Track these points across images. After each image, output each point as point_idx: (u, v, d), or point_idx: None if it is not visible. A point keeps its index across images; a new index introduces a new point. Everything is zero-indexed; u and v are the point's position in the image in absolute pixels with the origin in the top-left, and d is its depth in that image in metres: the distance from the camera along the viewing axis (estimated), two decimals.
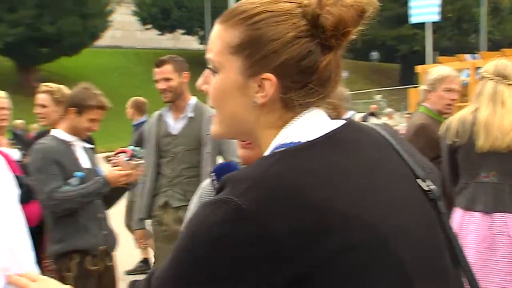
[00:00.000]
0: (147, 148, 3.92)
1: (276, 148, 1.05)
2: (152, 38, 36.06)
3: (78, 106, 3.17)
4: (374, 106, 20.29)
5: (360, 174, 1.03)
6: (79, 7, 28.17)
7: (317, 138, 1.03)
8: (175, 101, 3.78)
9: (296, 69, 1.03)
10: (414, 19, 19.61)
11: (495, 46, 22.63)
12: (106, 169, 3.35)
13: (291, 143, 1.05)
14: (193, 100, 3.84)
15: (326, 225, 0.95)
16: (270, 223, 0.94)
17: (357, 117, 14.45)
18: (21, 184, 2.67)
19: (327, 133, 1.03)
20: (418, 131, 3.56)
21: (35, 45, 27.75)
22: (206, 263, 0.97)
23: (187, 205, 3.38)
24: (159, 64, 3.81)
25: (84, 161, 3.26)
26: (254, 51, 1.03)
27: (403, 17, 24.64)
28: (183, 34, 36.14)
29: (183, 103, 3.81)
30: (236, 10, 1.06)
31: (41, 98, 3.84)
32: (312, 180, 0.97)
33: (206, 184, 1.90)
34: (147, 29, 35.49)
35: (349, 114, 4.91)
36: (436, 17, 19.01)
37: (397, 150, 1.13)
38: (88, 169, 3.24)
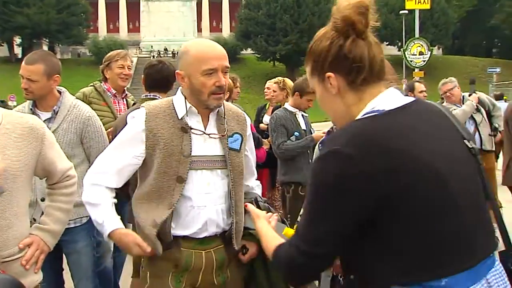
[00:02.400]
0: None
1: (365, 114, 1.37)
2: None
3: (300, 90, 4.55)
4: None
5: (426, 132, 1.34)
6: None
7: (394, 108, 1.36)
8: None
9: (339, 60, 1.40)
10: None
11: None
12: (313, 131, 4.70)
13: (377, 111, 1.36)
14: None
15: (402, 164, 1.25)
16: (370, 163, 1.24)
17: None
18: (253, 137, 3.91)
19: (402, 105, 1.37)
20: None
21: (298, 55, 43.09)
22: (331, 198, 1.28)
23: None
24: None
25: (302, 125, 4.57)
26: (316, 66, 1.45)
27: None
28: (387, 45, 48.43)
29: None
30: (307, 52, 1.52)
31: (269, 84, 5.83)
32: (390, 134, 1.29)
33: (319, 146, 2.35)
34: None
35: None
36: None
37: (450, 119, 1.46)
38: (304, 130, 4.56)
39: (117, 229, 2.10)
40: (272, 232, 1.70)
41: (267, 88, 5.96)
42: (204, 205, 2.14)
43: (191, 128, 2.14)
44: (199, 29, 59.39)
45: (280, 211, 5.29)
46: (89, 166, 2.90)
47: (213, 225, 2.16)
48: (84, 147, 3.03)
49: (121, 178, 2.18)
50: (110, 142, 3.12)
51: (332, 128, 2.09)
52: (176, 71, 2.16)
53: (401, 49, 23.46)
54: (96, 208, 2.14)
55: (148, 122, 2.11)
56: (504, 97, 15.18)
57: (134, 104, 3.84)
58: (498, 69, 31.68)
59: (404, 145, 1.28)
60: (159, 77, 3.35)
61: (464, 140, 1.42)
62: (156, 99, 3.33)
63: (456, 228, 1.30)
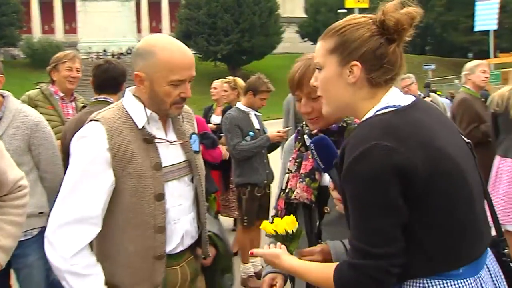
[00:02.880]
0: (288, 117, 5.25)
1: (381, 109, 1.38)
2: (308, 47, 48.71)
3: (253, 90, 4.48)
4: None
5: (438, 127, 1.38)
6: (264, 30, 44.28)
7: (408, 104, 1.39)
8: None
9: (373, 56, 1.38)
10: (477, 28, 28.07)
11: None
12: (268, 131, 4.65)
13: (393, 105, 1.38)
14: None
15: (431, 156, 1.28)
16: (412, 153, 1.25)
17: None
18: (209, 137, 3.98)
19: (412, 102, 1.41)
20: (461, 103, 4.69)
21: (239, 55, 44.37)
22: (387, 189, 1.25)
23: None
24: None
25: (256, 125, 4.51)
26: (344, 49, 1.41)
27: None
28: None
29: None
30: (329, 28, 1.47)
31: (216, 84, 5.75)
32: (417, 127, 1.32)
33: (288, 142, 2.14)
34: (305, 41, 51.43)
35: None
36: (495, 27, 27.08)
37: (446, 116, 1.54)
38: (258, 129, 4.50)
39: None
40: (309, 263, 1.54)
41: (214, 88, 5.89)
42: (178, 218, 1.98)
43: (155, 138, 1.91)
44: (139, 30, 58.14)
45: (236, 213, 5.24)
46: (38, 175, 2.81)
47: (188, 237, 2.03)
48: (33, 154, 2.83)
49: (103, 215, 1.84)
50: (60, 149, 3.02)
51: (301, 126, 2.03)
52: (135, 72, 1.89)
53: None
54: (86, 280, 1.77)
55: (112, 138, 1.81)
56: (438, 92, 15.92)
57: (84, 107, 3.65)
58: (433, 66, 33.11)
59: (431, 138, 1.31)
60: (106, 78, 3.21)
61: (462, 136, 1.49)
62: (108, 101, 3.18)
63: (473, 218, 1.36)
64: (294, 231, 1.69)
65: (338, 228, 1.75)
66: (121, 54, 47.95)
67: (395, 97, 1.42)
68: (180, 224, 1.98)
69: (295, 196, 1.87)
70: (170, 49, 1.88)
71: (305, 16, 53.05)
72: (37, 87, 3.93)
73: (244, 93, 4.62)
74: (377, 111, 1.39)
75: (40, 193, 2.87)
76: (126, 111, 1.91)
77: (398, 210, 1.27)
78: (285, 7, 58.97)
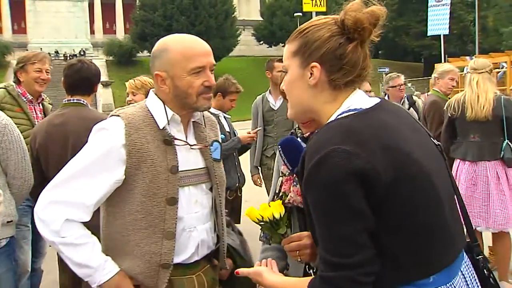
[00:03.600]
0: (256, 119, 5.28)
1: (342, 113, 1.34)
2: (263, 50, 52.09)
3: (222, 91, 4.43)
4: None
5: (405, 129, 1.34)
6: (220, 32, 43.44)
7: (371, 107, 1.35)
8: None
9: (333, 56, 1.36)
10: (430, 32, 28.61)
11: (484, 51, 33.57)
12: (239, 133, 4.61)
13: (354, 109, 1.34)
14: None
15: (395, 160, 1.23)
16: (374, 157, 1.21)
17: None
18: None
19: (375, 104, 1.36)
20: (431, 105, 4.87)
21: None
22: (350, 195, 1.20)
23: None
24: (281, 60, 5.23)
25: (226, 127, 4.44)
26: (305, 51, 1.39)
27: (426, 33, 33.97)
28: (283, 46, 42.68)
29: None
30: (295, 31, 1.46)
31: None
32: (379, 131, 1.27)
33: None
34: (261, 44, 52.34)
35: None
36: (447, 31, 28.04)
37: (414, 118, 1.47)
38: (228, 132, 4.45)
39: (119, 271, 1.80)
40: (288, 279, 1.53)
41: None
42: (194, 225, 1.91)
43: (175, 139, 1.87)
44: (92, 31, 56.93)
45: None
46: (6, 180, 2.66)
47: (205, 247, 1.97)
48: (0, 159, 2.67)
49: (95, 208, 1.82)
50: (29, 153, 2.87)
51: (294, 129, 2.01)
52: (155, 73, 1.87)
53: None
54: (82, 249, 1.75)
55: (130, 134, 1.78)
56: None
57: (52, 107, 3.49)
58: (387, 69, 33.93)
59: (395, 141, 1.27)
60: (79, 78, 3.08)
61: (431, 138, 1.46)
62: (82, 103, 3.05)
63: (441, 222, 1.32)
64: (282, 215, 1.67)
65: None
66: (74, 55, 46.74)
67: (357, 100, 1.38)
68: (196, 232, 1.92)
69: (288, 200, 1.84)
70: (182, 40, 1.87)
71: (261, 19, 53.28)
72: (1, 86, 3.71)
73: (213, 95, 4.55)
74: (338, 115, 1.35)
75: (8, 201, 2.71)
76: (149, 110, 1.88)
77: (362, 215, 1.23)
78: (241, 10, 59.15)
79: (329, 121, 1.36)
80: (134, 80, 4.21)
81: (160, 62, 1.85)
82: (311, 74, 1.38)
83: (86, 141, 2.79)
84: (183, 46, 1.83)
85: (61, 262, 2.96)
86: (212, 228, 2.00)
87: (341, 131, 1.26)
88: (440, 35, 28.59)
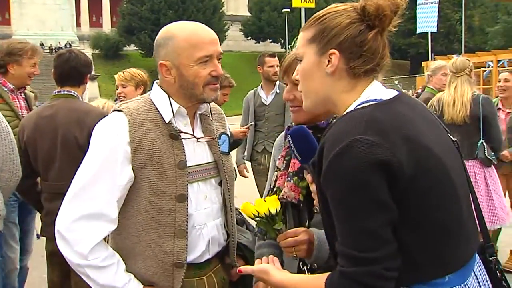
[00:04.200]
0: (247, 114, 5.34)
1: (362, 103, 1.30)
2: (251, 45, 53.14)
3: None
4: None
5: (423, 123, 1.31)
6: (208, 27, 36.40)
7: (391, 98, 1.32)
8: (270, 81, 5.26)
9: (352, 44, 1.32)
10: (419, 30, 28.87)
11: (470, 50, 33.66)
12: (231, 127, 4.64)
13: (374, 99, 1.30)
14: (278, 82, 5.26)
15: (415, 152, 1.21)
16: (396, 148, 1.18)
17: None
18: None
19: (395, 96, 1.34)
20: (425, 102, 4.83)
21: None
22: (373, 186, 1.16)
23: None
24: (273, 55, 5.27)
25: None
26: (323, 37, 1.35)
27: (413, 31, 34.12)
28: (271, 42, 51.62)
29: (273, 83, 5.26)
30: (310, 18, 1.43)
31: None
32: (399, 122, 1.24)
33: (279, 139, 2.11)
34: (248, 40, 52.52)
35: None
36: (435, 29, 28.85)
37: (432, 113, 1.45)
38: None
39: None
40: (299, 276, 1.47)
41: None
42: (204, 222, 1.84)
43: (181, 133, 1.79)
44: (78, 24, 56.31)
45: None
46: None
47: (215, 245, 1.90)
48: None
49: (117, 213, 1.73)
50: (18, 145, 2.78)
51: (291, 123, 1.96)
52: (160, 62, 1.77)
53: (288, 46, 24.20)
54: (107, 271, 1.70)
55: (134, 131, 1.70)
56: None
57: (35, 96, 3.37)
58: None
59: (415, 133, 1.24)
60: (67, 68, 2.98)
61: (448, 134, 1.43)
62: (73, 95, 2.97)
63: (459, 221, 1.28)
64: (278, 210, 1.63)
65: None
66: (60, 48, 46.21)
67: (377, 91, 1.35)
68: (206, 229, 1.85)
69: (282, 195, 1.79)
70: (188, 27, 1.79)
71: (249, 14, 53.13)
72: None
73: None
74: (357, 105, 1.31)
75: None
76: (153, 103, 1.80)
77: (387, 207, 1.18)
78: (229, 5, 58.97)
79: (348, 110, 1.32)
80: (123, 72, 4.12)
81: (165, 51, 1.76)
82: (328, 61, 1.34)
83: (76, 134, 2.87)
84: (189, 34, 1.75)
85: (50, 258, 2.90)
86: (223, 224, 1.93)
87: (363, 120, 1.22)
88: (427, 34, 28.86)
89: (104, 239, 1.72)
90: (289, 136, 1.60)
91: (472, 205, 1.40)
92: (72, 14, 54.08)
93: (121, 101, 3.95)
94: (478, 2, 51.55)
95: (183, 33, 1.75)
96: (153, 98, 1.81)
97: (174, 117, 1.77)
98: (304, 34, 1.41)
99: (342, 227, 1.21)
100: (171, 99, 1.78)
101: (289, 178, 1.81)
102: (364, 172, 1.16)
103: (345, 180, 1.18)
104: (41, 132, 2.92)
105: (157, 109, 1.78)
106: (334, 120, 1.31)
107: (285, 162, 1.87)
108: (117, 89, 4.13)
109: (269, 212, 1.62)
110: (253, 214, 1.64)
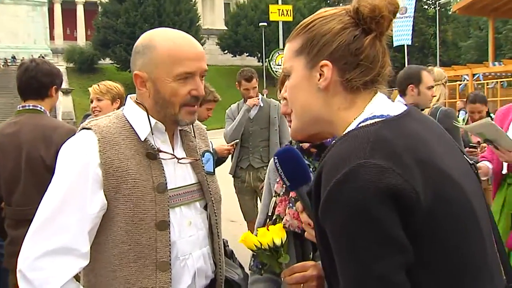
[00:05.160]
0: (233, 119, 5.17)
1: (365, 120, 1.11)
2: (228, 59, 52.42)
3: None
4: None
5: (437, 143, 1.13)
6: None
7: (400, 114, 1.13)
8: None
9: (347, 52, 1.14)
10: (395, 43, 28.48)
11: (444, 64, 34.92)
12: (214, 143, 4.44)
13: (380, 115, 1.12)
14: (260, 95, 5.17)
15: (432, 179, 1.02)
16: (402, 174, 0.99)
17: None
18: None
19: (404, 111, 1.15)
20: None
21: None
22: (372, 223, 0.97)
23: (263, 166, 4.71)
24: (250, 78, 5.07)
25: None
26: (312, 47, 1.18)
27: (390, 45, 36.55)
28: (247, 56, 51.22)
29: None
30: (297, 27, 1.24)
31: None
32: (411, 142, 1.06)
33: (271, 164, 1.96)
34: (225, 53, 52.01)
35: None
36: (409, 42, 29.02)
37: (444, 131, 1.24)
38: None
39: None
40: None
41: None
42: (189, 252, 1.64)
43: (160, 152, 1.60)
44: (52, 37, 55.52)
45: None
46: None
47: (202, 277, 1.69)
48: None
49: (88, 247, 1.53)
50: None
51: (290, 142, 1.81)
52: (135, 72, 1.60)
53: (265, 60, 24.34)
54: None
55: (105, 151, 1.52)
56: None
57: None
58: None
59: (429, 155, 1.07)
60: (27, 79, 2.69)
61: (464, 155, 1.26)
62: (39, 110, 2.68)
63: (481, 258, 1.10)
64: (283, 241, 1.47)
65: None
66: None
67: (382, 105, 1.16)
68: (192, 260, 1.65)
69: (284, 224, 1.62)
70: (172, 38, 1.59)
71: (226, 28, 53.27)
72: None
73: None
74: (360, 122, 1.12)
75: None
76: (126, 119, 1.62)
77: (400, 247, 0.99)
78: (206, 18, 58.99)
79: (348, 130, 1.12)
80: (98, 85, 3.90)
81: (142, 61, 1.58)
82: (320, 75, 1.16)
83: (42, 152, 2.61)
84: (171, 46, 1.56)
85: (8, 260, 2.63)
86: (210, 253, 1.74)
87: (369, 141, 1.03)
88: (403, 47, 29.45)
89: (75, 277, 1.52)
90: (276, 158, 1.44)
91: (493, 238, 1.20)
92: (45, 26, 53.32)
93: (95, 115, 3.72)
94: (451, 17, 52.82)
95: (164, 43, 1.57)
96: (126, 114, 1.63)
97: (152, 133, 1.60)
98: (290, 45, 1.23)
99: (345, 269, 1.02)
100: (148, 113, 1.60)
101: (290, 205, 1.66)
102: (372, 203, 0.97)
103: (349, 214, 0.99)
104: (3, 151, 2.65)
105: (131, 125, 1.61)
106: (334, 141, 1.12)
107: (284, 186, 1.67)
108: (92, 103, 3.90)
109: (274, 243, 1.45)
110: (255, 246, 1.47)
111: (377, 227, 0.97)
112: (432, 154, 1.07)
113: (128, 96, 1.71)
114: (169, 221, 1.57)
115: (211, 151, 1.83)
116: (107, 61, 47.91)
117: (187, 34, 1.65)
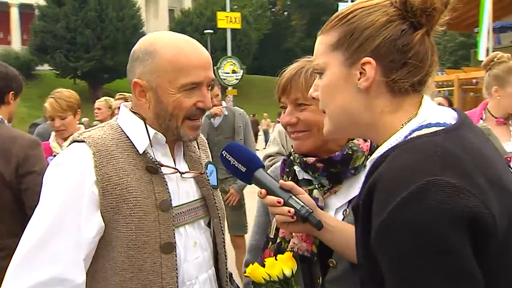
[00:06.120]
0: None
1: (419, 128, 1.00)
2: None
3: None
4: None
5: (497, 158, 1.02)
6: (127, 47, 38.71)
7: (457, 123, 1.02)
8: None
9: (393, 49, 1.02)
10: None
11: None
12: None
13: (436, 123, 1.00)
14: (223, 103, 5.09)
15: (504, 201, 0.91)
16: (478, 196, 0.87)
17: None
18: None
19: (459, 119, 1.03)
20: None
21: (101, 73, 42.84)
22: (446, 253, 0.84)
23: (228, 177, 4.66)
24: (211, 87, 4.90)
25: None
26: (351, 42, 1.05)
27: None
28: None
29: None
30: (332, 18, 1.11)
31: (99, 104, 5.31)
32: (480, 158, 0.95)
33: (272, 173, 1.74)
34: None
35: None
36: None
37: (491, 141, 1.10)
38: None
39: None
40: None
41: (98, 108, 5.49)
42: (196, 276, 1.52)
43: (161, 166, 1.45)
44: None
45: None
46: None
47: None
48: None
49: (84, 276, 1.38)
50: None
51: (289, 155, 1.63)
52: (134, 80, 1.45)
53: (214, 68, 24.18)
54: None
55: (101, 166, 1.35)
56: None
57: None
58: None
59: (496, 174, 0.95)
60: None
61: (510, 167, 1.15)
62: None
63: None
64: (294, 272, 1.41)
65: (346, 286, 1.42)
66: None
67: (434, 111, 1.05)
68: (198, 285, 1.53)
69: (292, 247, 1.50)
70: (176, 44, 1.45)
71: None
72: None
73: None
74: (412, 130, 1.00)
75: None
76: (122, 130, 1.47)
77: (473, 280, 0.86)
78: (150, 25, 58.19)
79: (398, 139, 1.00)
80: (56, 100, 3.39)
81: (142, 68, 1.44)
82: (361, 73, 1.04)
83: (0, 167, 2.28)
84: (175, 53, 1.42)
85: None
86: (215, 276, 1.63)
87: (436, 154, 0.89)
88: None
89: None
90: (223, 151, 1.43)
91: None
92: None
93: (63, 138, 3.38)
94: None
95: (168, 50, 1.43)
96: (121, 124, 1.50)
97: (151, 146, 1.46)
98: (324, 39, 1.10)
99: None
100: (146, 123, 1.47)
101: None
102: (445, 229, 0.84)
103: (417, 240, 0.85)
104: None
105: (127, 137, 1.47)
106: (384, 149, 0.99)
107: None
108: (53, 121, 3.46)
109: (283, 274, 1.38)
110: (264, 279, 1.38)
111: (451, 258, 0.85)
112: (497, 172, 0.96)
113: (122, 104, 1.57)
114: (175, 243, 1.45)
115: (212, 162, 1.70)
116: (46, 67, 46.30)
117: (191, 38, 1.51)
